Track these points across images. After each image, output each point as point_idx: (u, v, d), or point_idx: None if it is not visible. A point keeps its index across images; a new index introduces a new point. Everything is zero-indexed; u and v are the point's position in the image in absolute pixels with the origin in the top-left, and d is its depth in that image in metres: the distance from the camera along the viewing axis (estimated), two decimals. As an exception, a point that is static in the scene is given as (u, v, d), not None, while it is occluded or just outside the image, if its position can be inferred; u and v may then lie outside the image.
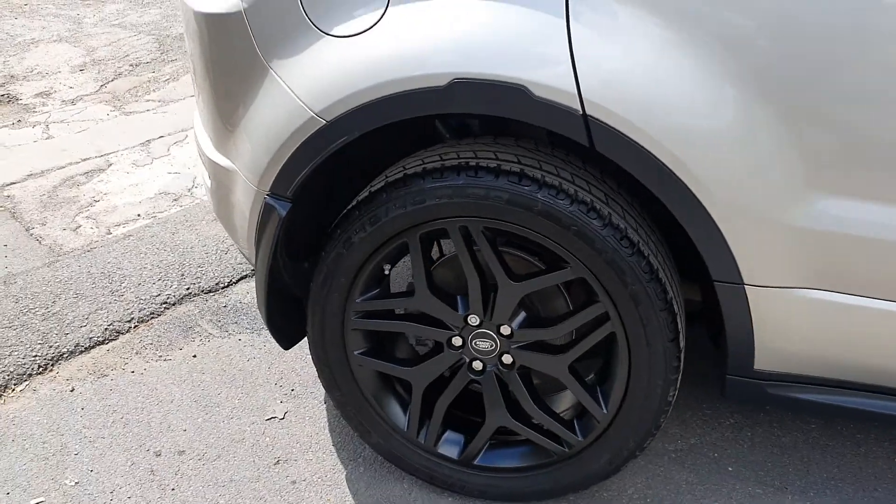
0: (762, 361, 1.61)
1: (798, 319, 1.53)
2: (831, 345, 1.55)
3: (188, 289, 2.68)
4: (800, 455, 1.98)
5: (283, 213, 1.67)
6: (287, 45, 1.58)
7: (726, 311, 1.55)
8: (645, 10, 1.36)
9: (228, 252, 2.87)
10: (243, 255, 2.03)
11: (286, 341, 1.92)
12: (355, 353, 1.81)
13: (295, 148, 1.60)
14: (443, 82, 1.45)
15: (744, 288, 1.51)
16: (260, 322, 2.50)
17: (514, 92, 1.42)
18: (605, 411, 1.70)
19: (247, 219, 1.77)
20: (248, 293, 2.68)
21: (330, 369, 1.84)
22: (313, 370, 2.19)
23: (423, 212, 1.59)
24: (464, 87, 1.44)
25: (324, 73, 1.54)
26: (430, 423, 1.84)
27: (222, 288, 2.71)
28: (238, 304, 2.61)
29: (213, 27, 1.65)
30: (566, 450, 1.77)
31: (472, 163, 1.55)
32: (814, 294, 1.50)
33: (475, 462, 1.85)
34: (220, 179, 1.82)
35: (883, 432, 2.03)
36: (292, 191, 1.65)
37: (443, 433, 1.86)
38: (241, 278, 2.75)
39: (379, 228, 1.63)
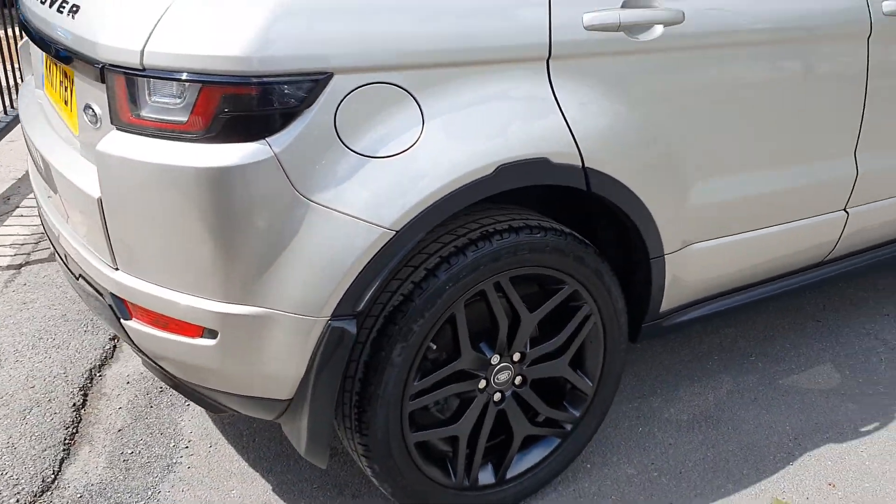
0: (665, 305, 2.31)
1: (689, 265, 2.26)
2: (704, 274, 2.33)
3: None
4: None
5: (354, 330, 1.77)
6: (329, 176, 1.69)
7: (655, 278, 2.20)
8: (606, 100, 1.92)
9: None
10: (233, 411, 1.95)
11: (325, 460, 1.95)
12: (413, 433, 1.97)
13: (365, 264, 1.73)
14: (491, 170, 1.79)
15: (664, 257, 2.18)
16: None
17: (540, 163, 1.84)
18: (591, 384, 2.21)
19: (295, 358, 1.78)
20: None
21: (394, 460, 1.96)
22: None
23: (470, 282, 1.88)
24: (507, 170, 1.81)
25: (382, 191, 1.72)
26: (473, 463, 2.10)
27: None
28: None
29: (234, 178, 1.64)
30: (568, 429, 2.23)
31: (492, 229, 1.90)
32: (697, 245, 2.25)
33: (507, 477, 2.17)
34: (243, 331, 1.77)
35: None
36: (364, 306, 1.76)
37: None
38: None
39: (434, 311, 1.86)
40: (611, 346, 2.18)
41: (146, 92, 1.67)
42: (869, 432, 2.50)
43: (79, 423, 2.56)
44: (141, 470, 2.36)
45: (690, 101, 2.09)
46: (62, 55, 1.91)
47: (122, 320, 1.89)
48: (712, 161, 2.18)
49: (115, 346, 2.94)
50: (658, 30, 1.97)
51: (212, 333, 1.79)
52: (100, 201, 1.79)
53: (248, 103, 1.62)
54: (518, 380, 2.11)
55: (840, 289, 3.27)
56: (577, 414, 2.23)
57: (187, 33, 1.63)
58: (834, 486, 2.30)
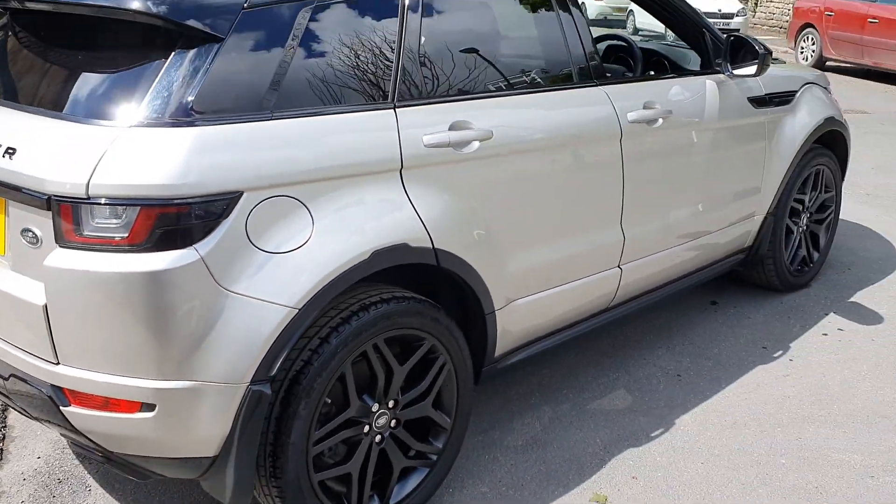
0: (497, 351, 2.93)
1: (513, 317, 2.90)
2: (524, 324, 2.98)
3: None
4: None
5: (270, 391, 2.24)
6: (244, 270, 2.17)
7: (489, 329, 2.82)
8: (443, 196, 2.54)
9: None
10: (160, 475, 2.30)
11: None
12: (316, 474, 2.42)
13: (276, 336, 2.21)
14: (367, 255, 2.34)
15: (495, 313, 2.81)
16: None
17: (402, 247, 2.43)
18: (449, 420, 2.76)
19: (221, 419, 2.21)
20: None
21: (304, 499, 2.40)
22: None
23: (355, 345, 2.40)
24: (379, 254, 2.37)
25: (286, 278, 2.22)
26: (363, 496, 2.57)
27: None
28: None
29: (170, 278, 2.08)
30: (434, 459, 2.76)
31: (367, 301, 2.44)
32: (517, 301, 2.90)
33: (391, 503, 2.66)
34: (177, 401, 2.17)
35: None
36: (276, 371, 2.23)
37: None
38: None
39: (329, 370, 2.35)
40: (462, 387, 2.76)
41: (90, 215, 2.08)
42: (658, 436, 3.23)
43: (-15, 520, 2.76)
44: (59, 550, 2.62)
45: (500, 192, 2.77)
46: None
47: (61, 407, 2.23)
48: (518, 235, 2.86)
49: (1, 449, 3.13)
50: (475, 144, 2.64)
51: (149, 407, 2.18)
52: (45, 307, 2.15)
53: (178, 219, 2.08)
54: (393, 422, 2.62)
55: (623, 330, 4.07)
56: (440, 446, 2.77)
57: (124, 169, 2.07)
58: (636, 478, 2.98)
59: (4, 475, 2.98)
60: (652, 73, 3.88)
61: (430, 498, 2.79)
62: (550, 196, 2.94)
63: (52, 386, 2.23)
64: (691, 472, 3.02)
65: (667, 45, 4.38)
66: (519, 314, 2.93)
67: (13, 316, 2.27)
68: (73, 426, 2.26)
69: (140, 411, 2.19)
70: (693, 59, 3.98)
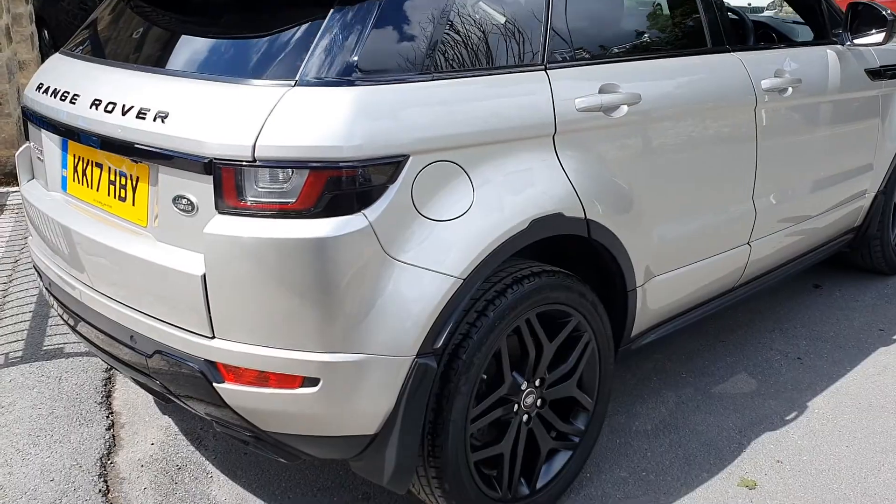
0: (634, 330, 2.80)
1: (652, 295, 2.77)
2: (661, 303, 2.85)
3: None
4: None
5: (435, 364, 2.12)
6: (410, 239, 2.05)
7: (630, 307, 2.69)
8: (594, 164, 2.42)
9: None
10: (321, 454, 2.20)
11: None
12: (472, 454, 2.31)
13: (442, 308, 2.09)
14: (526, 224, 2.22)
15: (636, 289, 2.68)
16: None
17: (557, 217, 2.30)
18: (591, 400, 2.64)
19: (385, 395, 2.09)
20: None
21: (461, 479, 2.28)
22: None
23: (511, 319, 2.28)
24: (537, 223, 2.25)
25: (451, 248, 2.10)
26: (513, 478, 2.45)
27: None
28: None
29: (339, 245, 1.97)
30: (577, 441, 2.63)
31: (520, 275, 2.32)
32: (657, 277, 2.77)
33: (538, 487, 2.54)
34: (342, 376, 2.06)
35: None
36: (440, 344, 2.12)
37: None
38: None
39: (488, 345, 2.23)
40: (604, 366, 2.64)
41: (254, 179, 1.97)
42: (792, 419, 3.09)
43: (110, 507, 2.66)
44: (193, 537, 2.52)
45: (644, 160, 2.64)
46: (134, 156, 2.16)
47: (214, 384, 2.12)
48: (661, 206, 2.73)
49: (113, 435, 3.03)
50: (624, 109, 2.51)
51: (312, 382, 2.07)
52: (203, 278, 2.04)
53: (348, 183, 1.97)
54: (539, 402, 2.50)
55: (730, 314, 3.93)
56: (582, 427, 2.64)
57: (292, 130, 1.96)
58: (781, 462, 2.84)
59: (121, 461, 2.89)
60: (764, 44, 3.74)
61: (572, 482, 2.67)
62: (691, 165, 2.81)
63: (206, 361, 2.12)
64: (837, 455, 2.87)
65: (773, 18, 4.23)
66: (658, 291, 2.80)
67: (162, 290, 2.16)
68: (225, 404, 2.15)
69: (301, 387, 2.08)
70: (801, 33, 3.84)
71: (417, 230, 2.07)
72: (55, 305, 2.72)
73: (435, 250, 2.09)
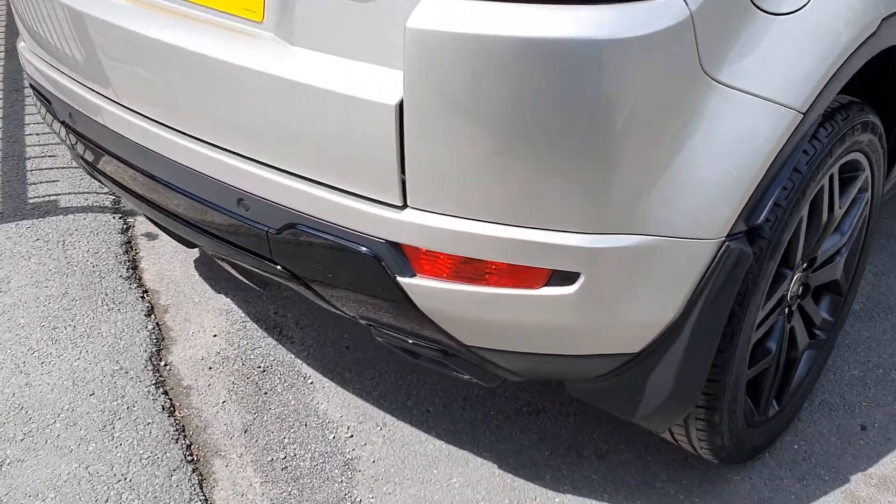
0: None
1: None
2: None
3: None
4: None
5: (749, 249, 1.35)
6: (736, 44, 1.24)
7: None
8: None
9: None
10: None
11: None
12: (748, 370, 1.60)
13: (771, 162, 1.31)
14: (875, 26, 1.42)
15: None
16: None
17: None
18: (847, 283, 1.94)
19: (673, 296, 1.34)
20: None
21: (737, 402, 1.58)
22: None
23: (820, 176, 1.51)
24: (887, 21, 1.44)
25: (789, 60, 1.29)
26: (771, 395, 1.77)
27: None
28: None
29: (636, 50, 1.14)
30: (824, 338, 1.95)
31: (832, 107, 1.53)
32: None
33: (783, 400, 1.87)
34: (614, 269, 1.29)
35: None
36: (759, 219, 1.34)
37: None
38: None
39: (795, 217, 1.47)
40: (867, 240, 1.92)
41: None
42: None
43: (183, 431, 1.90)
44: (315, 479, 1.79)
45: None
46: None
47: (397, 278, 1.33)
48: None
49: (158, 324, 2.23)
50: None
51: (567, 278, 1.29)
52: (398, 109, 1.20)
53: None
54: (801, 290, 1.79)
55: None
56: (832, 319, 1.96)
57: None
58: None
59: (178, 362, 2.11)
60: None
61: (815, 384, 2.01)
62: None
63: (388, 244, 1.31)
64: None
65: None
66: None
67: (309, 127, 1.31)
68: (412, 306, 1.37)
69: (547, 285, 1.30)
70: None
71: (749, 30, 1.25)
72: (78, 147, 1.84)
73: (769, 67, 1.28)
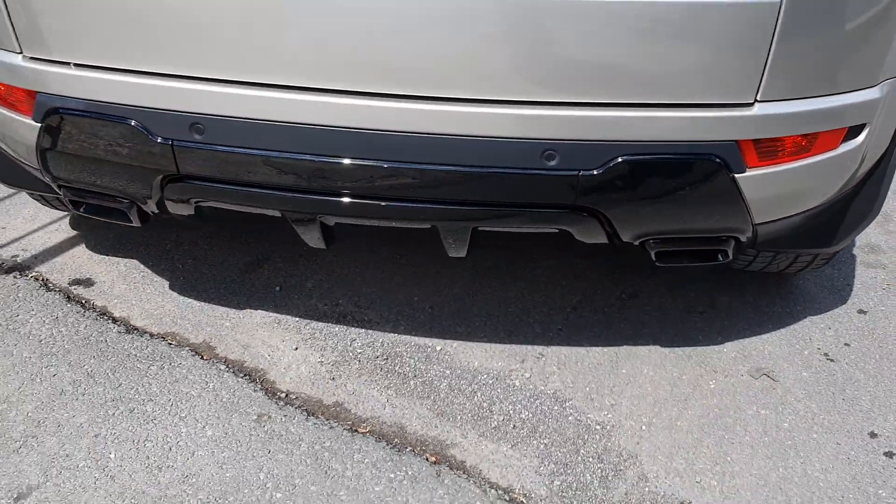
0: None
1: None
2: None
3: None
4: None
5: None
6: None
7: None
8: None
9: None
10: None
11: None
12: None
13: None
14: None
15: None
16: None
17: None
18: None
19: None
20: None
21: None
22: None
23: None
24: None
25: None
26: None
27: None
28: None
29: None
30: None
31: None
32: None
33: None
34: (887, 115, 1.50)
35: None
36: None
37: None
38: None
39: None
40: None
41: None
42: None
43: (409, 447, 1.71)
44: (553, 423, 1.77)
45: None
46: None
47: (734, 175, 1.41)
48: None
49: (227, 365, 1.89)
50: None
51: (856, 131, 1.49)
52: (779, 7, 1.26)
53: None
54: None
55: None
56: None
57: None
58: None
59: (294, 387, 1.84)
60: None
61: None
62: None
63: (731, 144, 1.38)
64: None
65: None
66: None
67: (668, 48, 1.29)
68: (740, 198, 1.45)
69: (844, 141, 1.48)
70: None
71: None
72: (191, 164, 1.48)
73: None
